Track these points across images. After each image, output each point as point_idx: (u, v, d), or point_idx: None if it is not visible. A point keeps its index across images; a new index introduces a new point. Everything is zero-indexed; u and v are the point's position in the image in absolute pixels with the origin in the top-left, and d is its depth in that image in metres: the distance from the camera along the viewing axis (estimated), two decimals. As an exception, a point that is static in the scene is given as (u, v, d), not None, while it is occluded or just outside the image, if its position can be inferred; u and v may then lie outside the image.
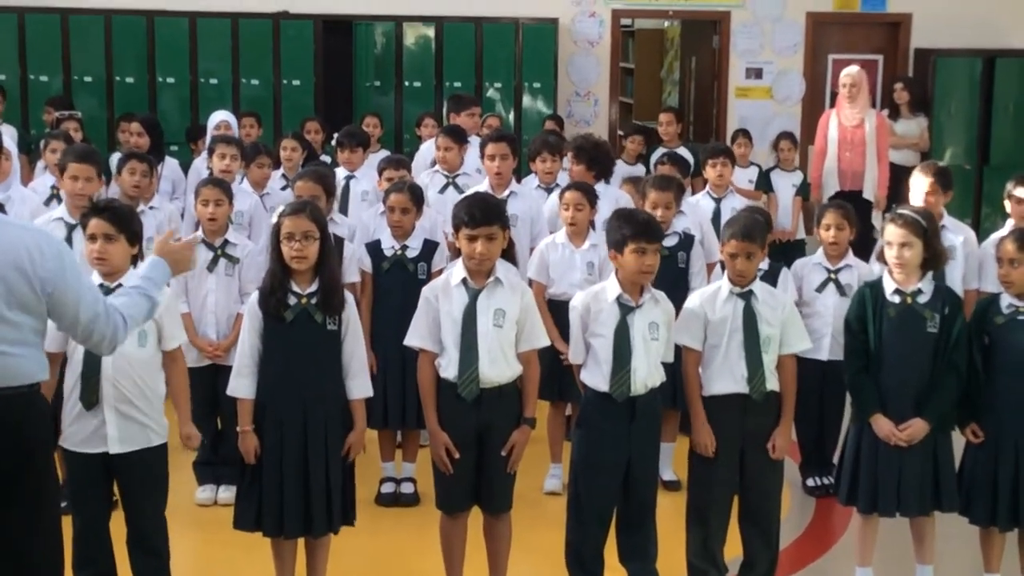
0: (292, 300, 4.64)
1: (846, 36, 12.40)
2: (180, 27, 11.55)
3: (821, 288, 6.13)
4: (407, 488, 6.08)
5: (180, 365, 4.70)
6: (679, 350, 4.94)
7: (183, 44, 11.55)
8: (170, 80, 11.59)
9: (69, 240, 5.62)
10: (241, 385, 4.67)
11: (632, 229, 4.73)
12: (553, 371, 5.77)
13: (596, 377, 4.77)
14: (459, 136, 7.57)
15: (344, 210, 7.21)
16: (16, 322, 3.62)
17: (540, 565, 5.28)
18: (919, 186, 6.18)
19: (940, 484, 4.94)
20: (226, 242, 5.91)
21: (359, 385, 4.74)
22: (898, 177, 8.87)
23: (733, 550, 5.02)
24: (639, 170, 9.64)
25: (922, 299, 4.91)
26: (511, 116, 11.57)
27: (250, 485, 4.72)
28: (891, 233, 4.93)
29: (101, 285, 4.46)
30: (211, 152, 7.31)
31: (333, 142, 8.39)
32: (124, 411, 4.48)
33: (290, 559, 4.82)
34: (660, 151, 9.43)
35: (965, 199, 11.22)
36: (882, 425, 4.88)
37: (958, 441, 5.06)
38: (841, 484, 5.12)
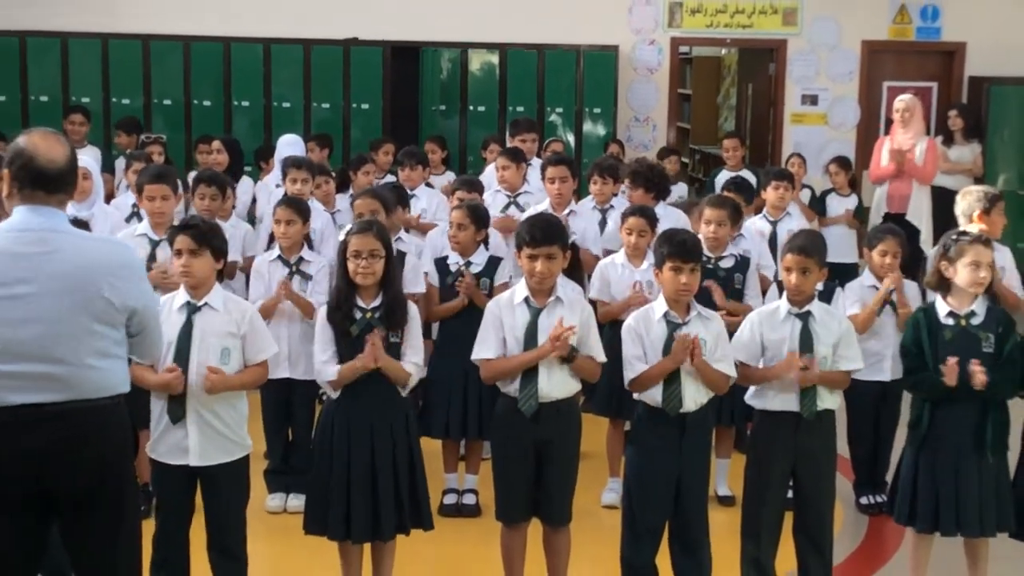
0: (357, 314, 4.69)
1: (901, 64, 12.29)
2: (255, 53, 11.69)
3: (879, 311, 6.05)
4: (469, 499, 6.09)
5: (262, 373, 4.69)
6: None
7: (258, 69, 11.69)
8: (245, 104, 11.73)
9: (152, 256, 5.70)
10: (328, 370, 4.70)
11: (669, 248, 4.74)
12: (612, 388, 5.77)
13: (648, 393, 4.75)
14: (516, 156, 7.68)
15: (405, 227, 7.28)
16: (100, 334, 3.67)
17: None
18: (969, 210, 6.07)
19: (998, 505, 4.87)
20: (301, 259, 5.97)
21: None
22: (951, 203, 8.79)
23: (787, 564, 4.98)
24: (681, 189, 9.62)
25: (976, 320, 4.86)
26: (572, 140, 11.58)
27: (319, 491, 4.77)
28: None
29: (188, 303, 4.57)
30: (284, 175, 7.40)
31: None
32: (207, 426, 4.54)
33: (356, 564, 4.86)
34: (724, 175, 9.42)
35: (1019, 224, 11.05)
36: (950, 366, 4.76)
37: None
38: (898, 504, 5.03)
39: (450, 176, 9.37)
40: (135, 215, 6.81)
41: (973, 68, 12.06)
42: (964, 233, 5.01)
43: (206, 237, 4.61)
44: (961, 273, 4.85)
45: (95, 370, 3.66)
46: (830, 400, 4.84)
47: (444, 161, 9.74)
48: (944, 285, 4.93)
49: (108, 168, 9.24)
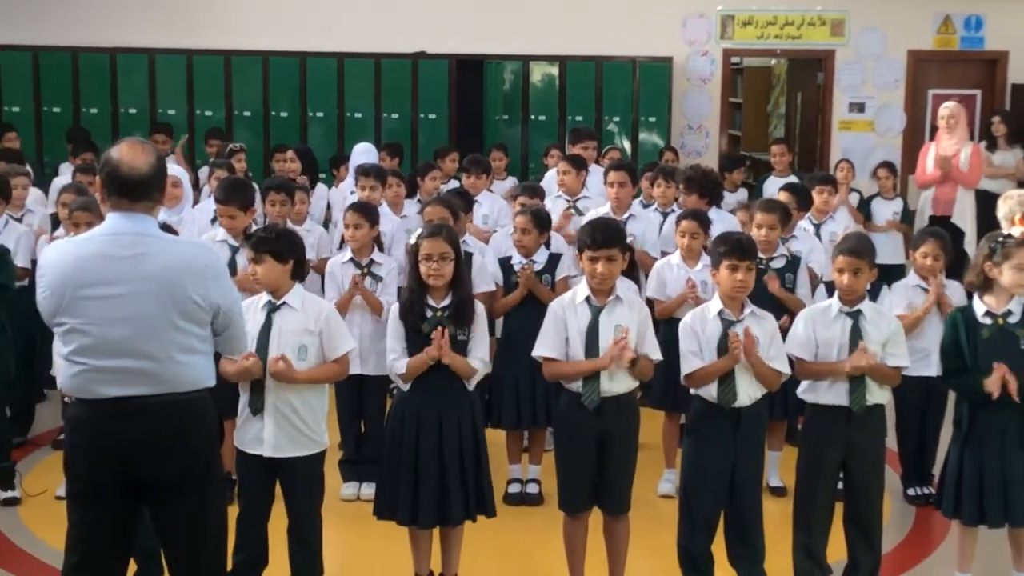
0: (428, 313, 4.70)
1: (945, 72, 12.12)
2: (329, 67, 11.76)
3: (923, 310, 5.96)
4: (532, 489, 6.09)
5: (337, 370, 4.71)
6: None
7: (331, 82, 11.76)
8: (319, 114, 11.80)
9: (232, 260, 5.74)
10: (398, 364, 4.71)
11: (725, 247, 4.73)
12: (667, 383, 5.74)
13: (704, 388, 4.73)
14: (577, 163, 7.68)
15: (468, 230, 7.32)
16: (186, 330, 3.69)
17: (655, 563, 5.24)
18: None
19: None
20: (372, 261, 5.99)
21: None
22: (994, 206, 8.66)
23: (838, 553, 4.93)
24: (741, 196, 9.56)
25: (1013, 319, 4.80)
26: (628, 148, 11.53)
27: (389, 479, 4.79)
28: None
29: (269, 302, 4.64)
30: (357, 182, 7.45)
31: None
32: (283, 420, 4.57)
33: (426, 549, 4.87)
34: (772, 180, 9.35)
35: (1059, 226, 10.85)
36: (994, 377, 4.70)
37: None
38: (945, 499, 4.96)
39: (511, 181, 9.38)
40: (217, 219, 6.87)
41: (1016, 76, 11.89)
42: (1009, 236, 4.93)
43: (263, 244, 4.64)
44: (1006, 274, 4.79)
45: (182, 365, 3.69)
46: (879, 395, 4.78)
47: (506, 168, 9.76)
48: (985, 285, 4.87)
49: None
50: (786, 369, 4.76)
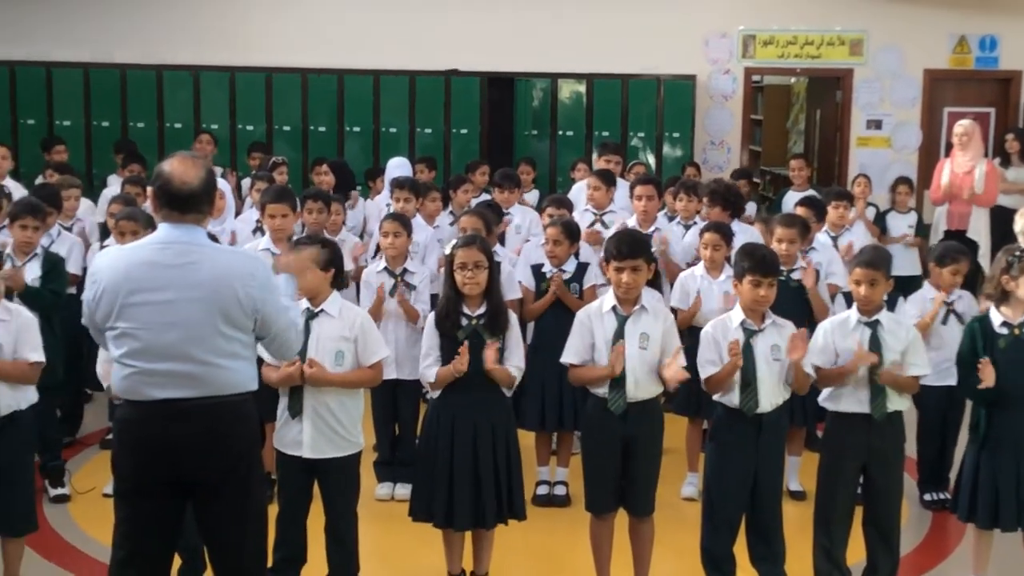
0: (464, 321, 4.69)
1: (960, 91, 12.07)
2: (365, 84, 11.81)
3: (944, 320, 5.91)
4: (560, 490, 6.07)
5: (371, 375, 4.72)
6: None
7: (367, 98, 11.81)
8: (356, 129, 11.85)
9: (275, 267, 5.76)
10: (429, 372, 4.72)
11: (749, 263, 4.70)
12: (691, 389, 5.71)
13: (727, 395, 4.71)
14: (607, 179, 7.67)
15: (501, 241, 7.31)
16: (230, 336, 3.71)
17: (679, 564, 5.22)
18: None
19: None
20: (405, 270, 6.00)
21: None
22: (1008, 220, 8.60)
23: (857, 555, 4.90)
24: (751, 208, 9.52)
25: (1029, 329, 4.79)
26: (652, 162, 11.52)
27: (424, 482, 4.78)
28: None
29: (307, 309, 4.65)
30: (392, 194, 7.47)
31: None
32: (321, 422, 4.59)
33: (458, 549, 4.88)
34: (791, 195, 9.32)
35: (1072, 241, 10.75)
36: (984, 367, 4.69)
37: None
38: (960, 502, 4.95)
39: (536, 194, 9.41)
40: (259, 229, 6.91)
41: (1029, 95, 11.86)
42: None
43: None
44: (1023, 287, 4.76)
45: (226, 370, 3.71)
46: (899, 402, 4.76)
47: (533, 180, 9.78)
48: (1002, 297, 4.86)
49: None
50: (811, 373, 4.74)
